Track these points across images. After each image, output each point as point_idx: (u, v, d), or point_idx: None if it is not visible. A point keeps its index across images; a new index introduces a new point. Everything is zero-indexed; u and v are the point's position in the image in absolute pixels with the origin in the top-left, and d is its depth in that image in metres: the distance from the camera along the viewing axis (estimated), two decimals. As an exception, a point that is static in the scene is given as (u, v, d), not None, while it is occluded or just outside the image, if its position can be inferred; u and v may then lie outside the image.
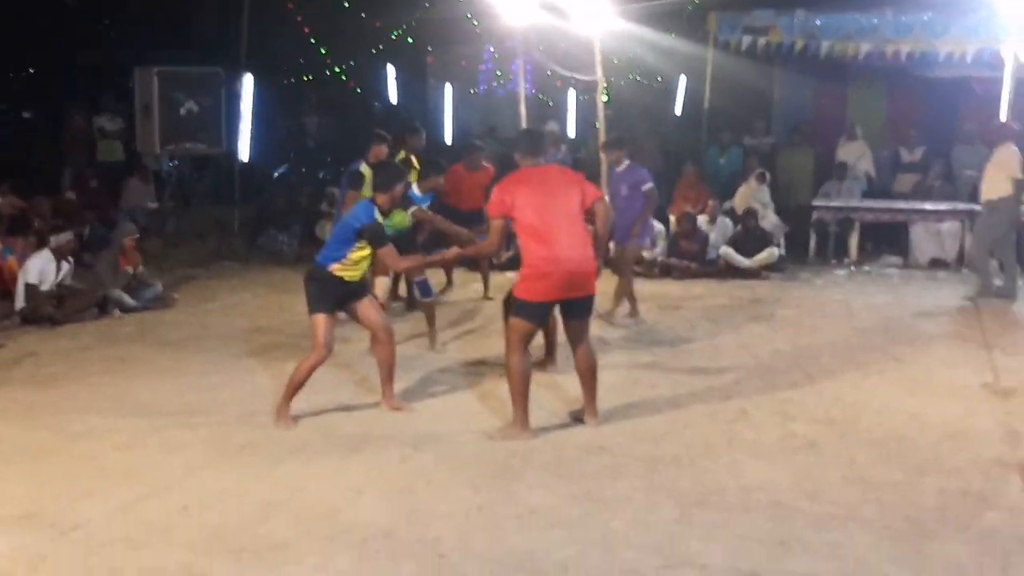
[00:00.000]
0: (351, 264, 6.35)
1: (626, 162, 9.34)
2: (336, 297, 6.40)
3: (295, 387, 6.35)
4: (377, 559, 4.50)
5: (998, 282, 10.49)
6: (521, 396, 6.04)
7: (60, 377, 7.53)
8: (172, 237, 13.34)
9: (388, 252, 6.38)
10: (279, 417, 6.33)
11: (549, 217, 5.99)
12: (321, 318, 6.30)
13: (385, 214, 6.49)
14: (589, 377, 6.30)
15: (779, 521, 4.91)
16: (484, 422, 6.39)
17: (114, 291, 9.69)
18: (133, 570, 4.40)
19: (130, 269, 10.00)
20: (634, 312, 9.37)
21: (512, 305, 6.19)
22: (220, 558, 4.51)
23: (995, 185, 10.27)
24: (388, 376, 6.63)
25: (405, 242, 7.42)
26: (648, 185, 9.24)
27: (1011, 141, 10.38)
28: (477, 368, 7.63)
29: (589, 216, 6.20)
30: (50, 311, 9.18)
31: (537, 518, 4.95)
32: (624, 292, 9.32)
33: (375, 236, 6.30)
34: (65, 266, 9.54)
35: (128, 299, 9.75)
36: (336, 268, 6.33)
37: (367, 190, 8.29)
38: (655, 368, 7.73)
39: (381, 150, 8.88)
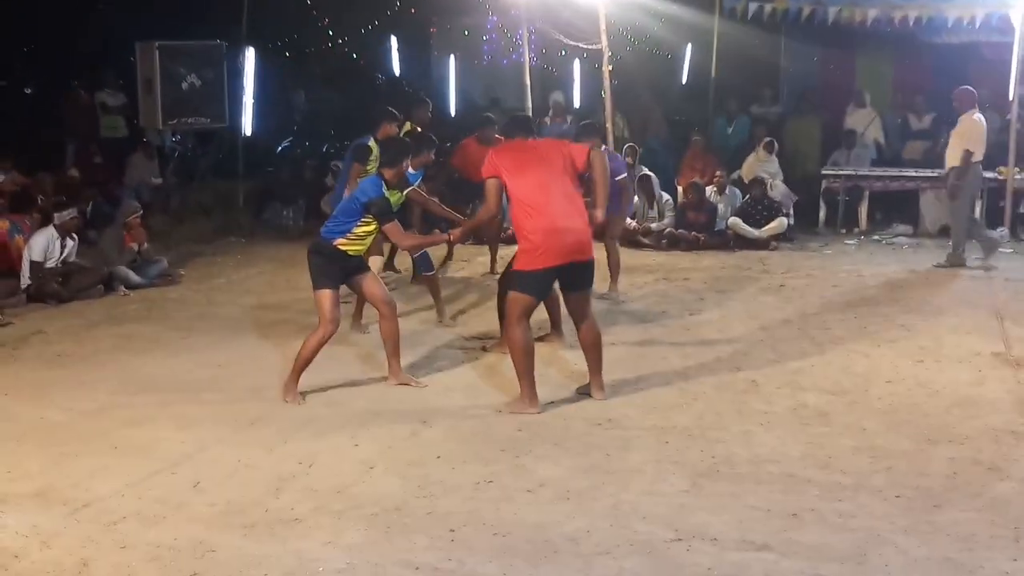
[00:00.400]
0: (356, 239, 6.33)
1: (603, 147, 9.19)
2: (340, 272, 6.38)
3: (303, 363, 6.33)
4: (388, 533, 4.51)
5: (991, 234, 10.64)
6: (526, 370, 6.02)
7: (68, 355, 7.53)
8: (176, 213, 13.30)
9: (393, 228, 6.34)
10: (287, 393, 6.33)
11: (541, 186, 5.95)
12: (326, 293, 6.28)
13: (391, 189, 6.47)
14: (594, 351, 6.27)
15: (790, 492, 4.91)
16: (491, 396, 6.39)
17: (119, 268, 9.67)
18: (145, 546, 4.41)
19: (135, 246, 9.98)
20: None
21: (512, 279, 6.14)
22: (231, 533, 4.53)
23: (959, 153, 10.29)
24: (394, 351, 6.62)
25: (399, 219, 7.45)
26: (621, 176, 9.03)
27: (974, 108, 10.35)
28: (482, 342, 7.61)
29: (588, 178, 6.19)
30: (55, 289, 9.17)
31: (547, 491, 4.95)
32: (616, 266, 9.20)
33: (382, 211, 6.26)
34: (69, 243, 9.52)
35: (133, 276, 9.73)
36: (341, 242, 6.31)
37: (373, 165, 8.26)
38: (664, 340, 7.71)
39: (392, 128, 8.79)
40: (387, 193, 6.36)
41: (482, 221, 7.06)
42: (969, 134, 10.24)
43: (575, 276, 6.12)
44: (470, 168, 10.49)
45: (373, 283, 6.60)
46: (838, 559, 4.24)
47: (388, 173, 6.43)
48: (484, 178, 6.11)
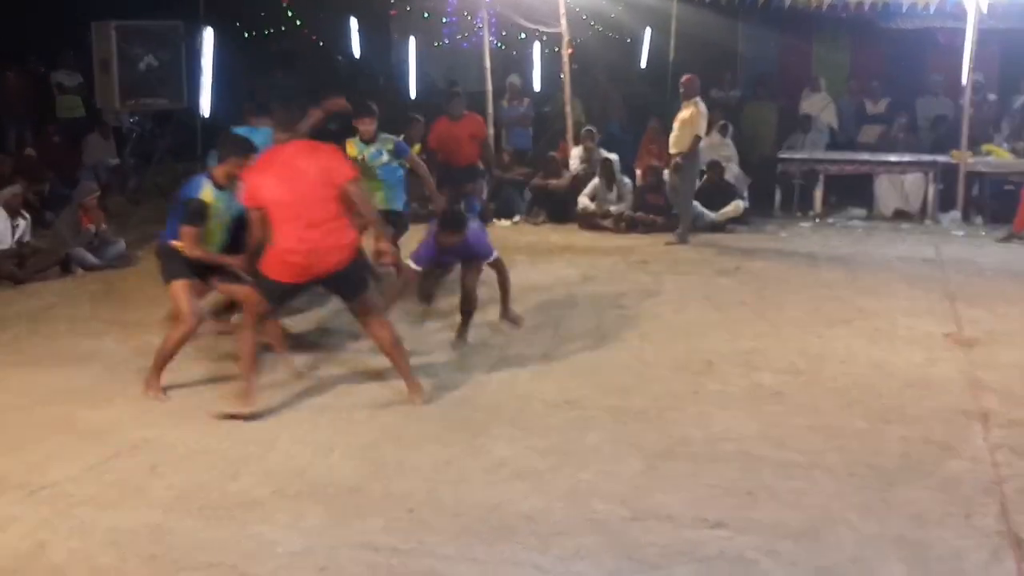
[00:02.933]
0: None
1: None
2: (188, 264, 6.10)
3: (164, 359, 6.09)
4: (346, 515, 4.52)
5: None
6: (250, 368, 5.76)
7: (24, 337, 7.43)
8: (134, 194, 13.15)
9: (187, 232, 6.00)
10: (148, 388, 6.08)
11: (292, 201, 5.59)
12: (180, 285, 6.03)
13: (222, 188, 6.07)
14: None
15: (745, 470, 4.97)
16: (453, 378, 6.39)
17: (76, 250, 9.55)
18: (102, 530, 4.39)
19: (92, 227, 9.85)
20: None
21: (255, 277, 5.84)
22: (189, 517, 4.52)
23: (683, 140, 10.64)
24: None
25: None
26: None
27: (698, 96, 10.74)
28: (446, 326, 7.62)
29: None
30: (11, 270, 9.04)
31: (504, 471, 4.98)
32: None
33: (187, 212, 5.98)
34: (21, 223, 9.40)
35: (91, 257, 9.61)
36: (178, 244, 6.07)
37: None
38: (621, 321, 7.75)
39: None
40: (208, 194, 6.02)
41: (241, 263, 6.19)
42: (695, 121, 10.60)
43: (334, 286, 5.91)
44: (449, 148, 10.32)
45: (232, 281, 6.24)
46: (792, 536, 4.31)
47: (218, 172, 6.09)
48: (247, 207, 5.76)
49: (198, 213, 6.02)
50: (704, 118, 10.72)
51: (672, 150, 10.86)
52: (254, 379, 5.80)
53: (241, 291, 6.16)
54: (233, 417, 5.65)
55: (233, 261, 6.21)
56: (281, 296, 5.85)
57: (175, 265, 6.10)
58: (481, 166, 10.76)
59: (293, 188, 5.60)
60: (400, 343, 6.01)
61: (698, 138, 10.68)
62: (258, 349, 5.87)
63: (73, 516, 4.53)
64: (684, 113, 10.69)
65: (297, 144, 5.81)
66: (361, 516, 4.51)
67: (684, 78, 10.95)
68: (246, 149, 6.13)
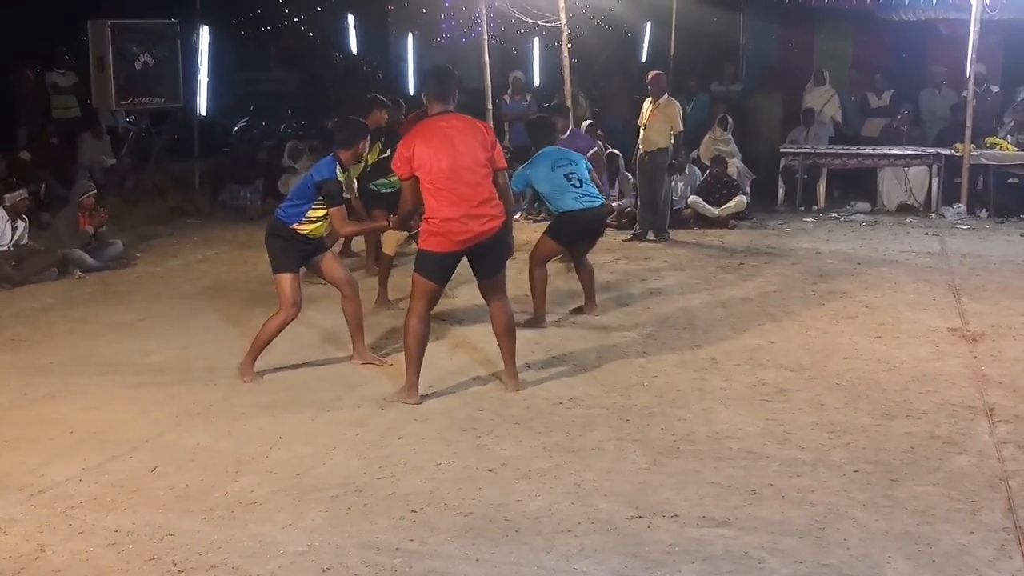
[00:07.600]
0: (312, 221, 6.27)
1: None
2: (300, 254, 6.34)
3: (261, 345, 6.33)
4: (349, 515, 4.49)
5: None
6: (414, 358, 5.87)
7: (22, 339, 7.40)
8: (132, 195, 13.12)
9: (338, 212, 6.24)
10: (244, 373, 6.32)
11: (454, 172, 5.71)
12: (287, 277, 6.25)
13: (346, 170, 6.41)
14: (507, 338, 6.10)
15: (750, 468, 4.94)
16: (453, 376, 6.36)
17: (74, 251, 9.51)
18: (103, 531, 4.36)
19: (90, 228, 9.80)
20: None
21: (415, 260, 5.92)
22: (190, 517, 4.48)
23: (662, 136, 10.53)
24: (357, 330, 6.61)
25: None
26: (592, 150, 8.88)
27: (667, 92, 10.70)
28: (444, 323, 7.58)
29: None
30: (8, 272, 9.00)
31: (508, 470, 4.95)
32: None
33: (331, 193, 6.20)
34: (20, 225, 9.37)
35: (88, 259, 9.57)
36: (298, 226, 6.26)
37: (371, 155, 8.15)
38: (625, 318, 7.72)
39: (380, 116, 8.40)
40: (340, 175, 6.31)
41: (402, 217, 6.34)
42: (675, 117, 10.51)
43: (480, 259, 5.93)
44: None
45: (333, 263, 6.56)
46: (797, 534, 4.27)
47: (344, 155, 6.35)
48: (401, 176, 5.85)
49: (340, 193, 6.27)
50: (680, 113, 10.61)
51: (649, 148, 10.60)
52: (417, 369, 5.87)
53: (343, 276, 6.50)
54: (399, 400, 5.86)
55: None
56: (444, 271, 5.90)
57: (286, 257, 6.27)
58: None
59: (454, 162, 5.70)
60: (514, 328, 6.10)
61: (678, 134, 10.56)
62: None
63: (73, 518, 4.49)
64: (665, 109, 10.49)
65: (457, 118, 5.89)
66: (364, 516, 4.48)
67: (652, 75, 10.81)
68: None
